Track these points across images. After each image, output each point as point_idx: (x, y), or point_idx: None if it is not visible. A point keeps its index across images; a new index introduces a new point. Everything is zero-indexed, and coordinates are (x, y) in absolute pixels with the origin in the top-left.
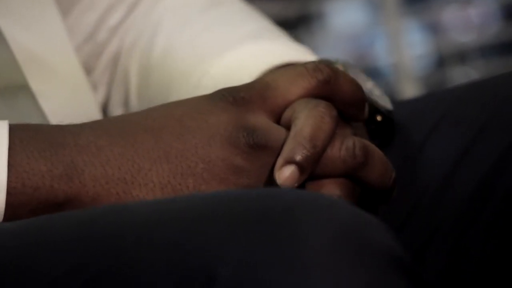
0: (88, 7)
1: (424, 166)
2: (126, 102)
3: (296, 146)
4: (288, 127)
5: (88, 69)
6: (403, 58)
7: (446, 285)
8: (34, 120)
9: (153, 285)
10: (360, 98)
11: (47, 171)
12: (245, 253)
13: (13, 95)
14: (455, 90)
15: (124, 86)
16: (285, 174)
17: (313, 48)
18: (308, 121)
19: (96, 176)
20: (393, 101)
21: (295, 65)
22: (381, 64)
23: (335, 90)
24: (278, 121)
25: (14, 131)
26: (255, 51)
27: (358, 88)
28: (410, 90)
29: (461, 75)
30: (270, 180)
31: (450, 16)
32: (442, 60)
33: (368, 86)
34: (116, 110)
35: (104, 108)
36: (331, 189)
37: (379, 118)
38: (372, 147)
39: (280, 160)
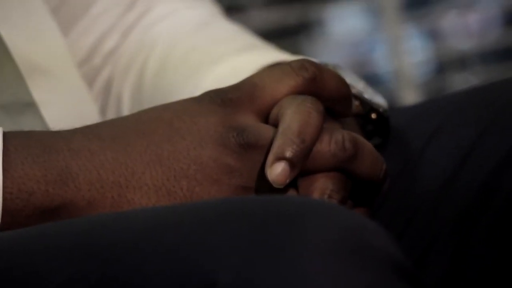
0: (84, 31)
1: (424, 172)
2: None
3: (285, 142)
4: (276, 125)
5: None
6: (403, 64)
7: None
8: None
9: None
10: (346, 93)
11: (42, 176)
12: (245, 260)
13: (19, 112)
14: (455, 96)
15: (117, 111)
16: (276, 170)
17: (313, 55)
18: (296, 116)
19: (90, 180)
20: (393, 107)
21: (280, 65)
22: (381, 70)
23: (321, 87)
24: (266, 120)
25: (8, 138)
26: (244, 62)
27: (344, 84)
28: (410, 96)
29: (461, 81)
30: (262, 178)
31: (450, 22)
32: (442, 67)
33: (360, 86)
34: None
35: None
36: (323, 183)
37: (374, 116)
38: (362, 139)
39: (270, 157)
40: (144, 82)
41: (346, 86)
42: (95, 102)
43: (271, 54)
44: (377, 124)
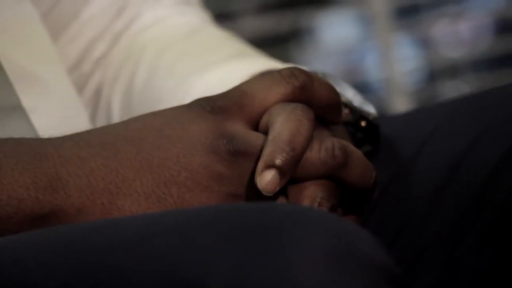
0: (73, 38)
1: (416, 180)
2: None
3: (275, 150)
4: (266, 133)
5: None
6: (394, 72)
7: None
8: None
9: None
10: (336, 101)
11: (32, 183)
12: (235, 266)
13: (6, 115)
14: (446, 104)
15: (106, 118)
16: (266, 178)
17: (304, 63)
18: (286, 124)
19: (81, 187)
20: (384, 115)
21: (270, 72)
22: (372, 78)
23: (311, 95)
24: (256, 127)
25: None
26: (233, 70)
27: (334, 91)
28: (401, 104)
29: (453, 89)
30: (252, 186)
31: (441, 30)
32: (434, 75)
33: (349, 94)
34: None
35: None
36: (313, 191)
37: (363, 123)
38: (351, 147)
39: (260, 165)
40: (133, 88)
41: (336, 94)
42: (85, 109)
43: (261, 62)
44: (367, 132)
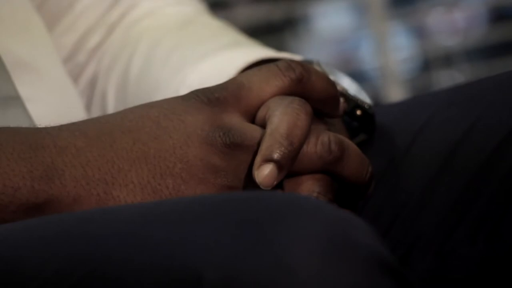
0: (67, 29)
1: (410, 169)
2: None
3: (273, 144)
4: (263, 125)
5: None
6: (389, 61)
7: (433, 287)
8: None
9: (140, 287)
10: (334, 94)
11: (28, 172)
12: (230, 255)
13: (3, 105)
14: (440, 94)
15: (101, 108)
16: (264, 172)
17: (299, 52)
18: (284, 118)
19: (76, 177)
20: (379, 104)
21: (267, 65)
22: (367, 67)
23: (308, 88)
24: (252, 120)
25: None
26: (228, 59)
27: (331, 84)
28: (396, 93)
29: (447, 78)
30: (248, 179)
31: (435, 19)
32: (428, 64)
33: (345, 83)
34: None
35: None
36: (309, 185)
37: (359, 112)
38: (348, 142)
39: (258, 159)
40: (128, 78)
41: (333, 87)
42: (81, 99)
43: (256, 51)
44: (362, 121)
